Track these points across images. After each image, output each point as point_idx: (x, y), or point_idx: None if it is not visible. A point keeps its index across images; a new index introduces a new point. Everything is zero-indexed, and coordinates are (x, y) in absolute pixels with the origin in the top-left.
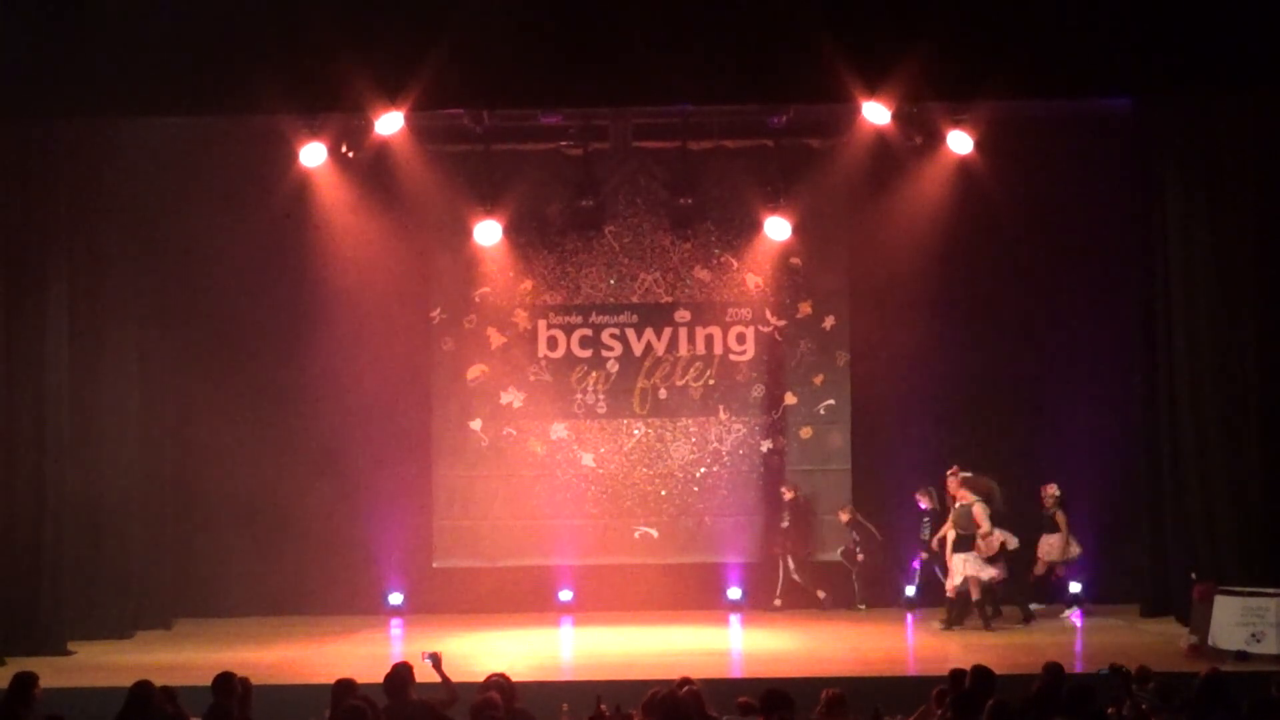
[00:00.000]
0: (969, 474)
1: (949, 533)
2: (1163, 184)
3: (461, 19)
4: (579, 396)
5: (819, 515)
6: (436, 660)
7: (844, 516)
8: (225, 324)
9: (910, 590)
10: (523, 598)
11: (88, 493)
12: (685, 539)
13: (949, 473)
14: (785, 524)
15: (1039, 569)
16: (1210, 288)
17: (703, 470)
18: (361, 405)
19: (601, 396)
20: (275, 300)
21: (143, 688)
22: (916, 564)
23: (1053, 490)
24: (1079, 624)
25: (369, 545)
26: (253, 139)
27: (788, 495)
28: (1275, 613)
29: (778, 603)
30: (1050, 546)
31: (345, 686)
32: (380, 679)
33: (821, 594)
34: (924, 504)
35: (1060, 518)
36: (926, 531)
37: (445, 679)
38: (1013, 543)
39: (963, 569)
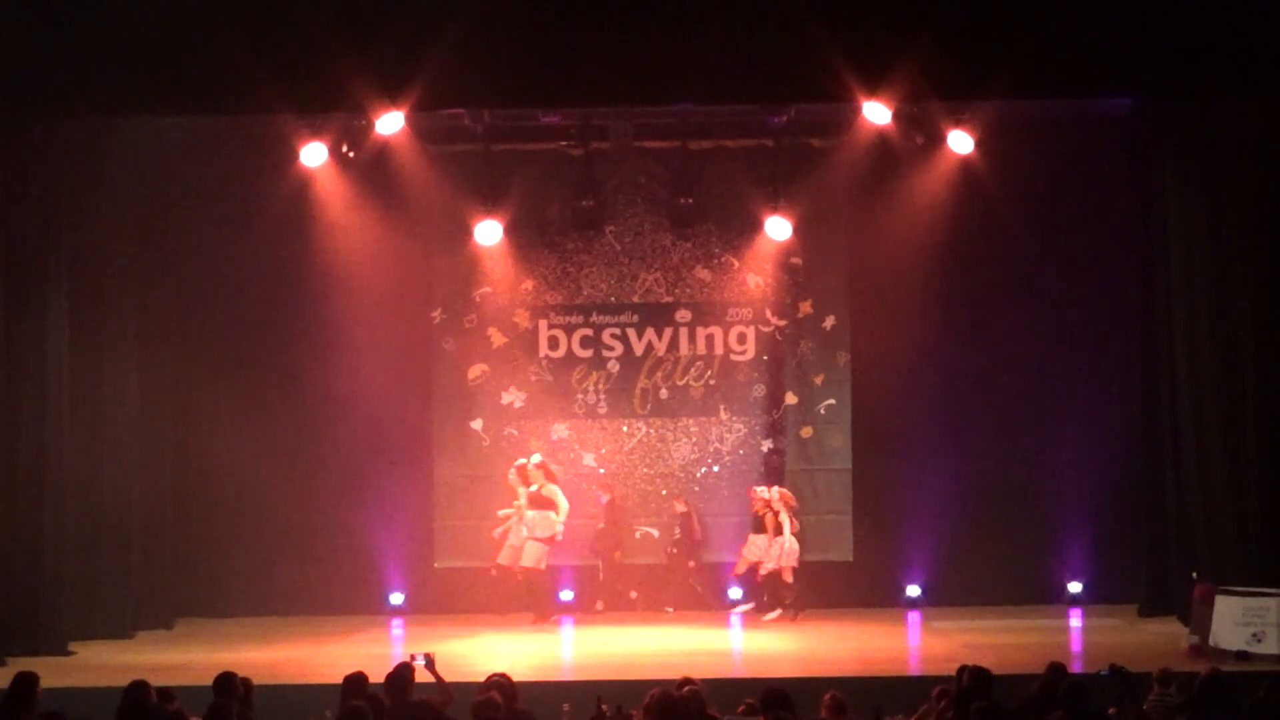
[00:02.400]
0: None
1: (787, 520)
2: (1163, 184)
3: (461, 19)
4: (580, 396)
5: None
6: (430, 661)
7: (680, 507)
8: (225, 324)
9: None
10: (523, 597)
11: (88, 492)
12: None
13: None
14: (601, 526)
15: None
16: (1210, 287)
17: (703, 470)
18: (362, 405)
19: (602, 396)
20: (276, 300)
21: (137, 687)
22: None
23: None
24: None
25: (369, 545)
26: (253, 139)
27: (604, 498)
28: (1275, 613)
29: (600, 606)
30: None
31: (356, 681)
32: (380, 679)
33: (634, 594)
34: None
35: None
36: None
37: (439, 679)
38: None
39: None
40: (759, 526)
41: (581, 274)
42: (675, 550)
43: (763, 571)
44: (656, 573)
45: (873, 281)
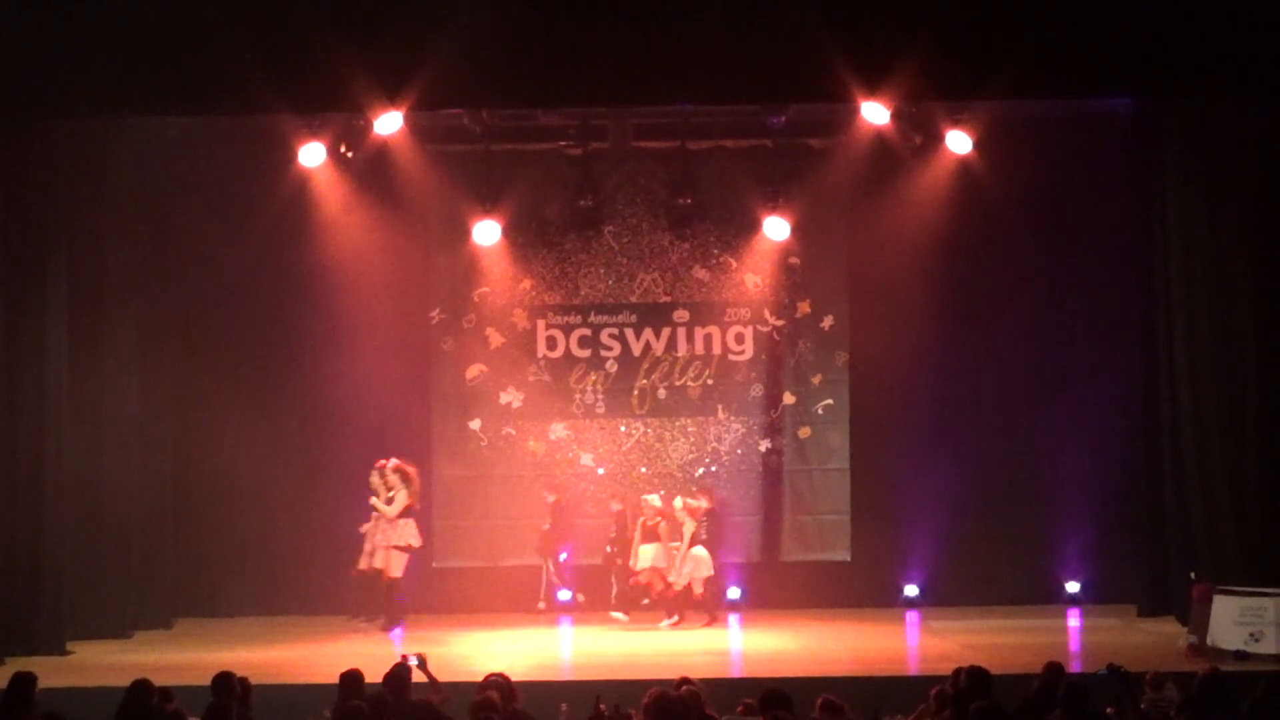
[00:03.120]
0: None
1: (687, 529)
2: (1163, 184)
3: (461, 19)
4: (578, 396)
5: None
6: (422, 661)
7: (615, 506)
8: (225, 324)
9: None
10: (523, 598)
11: (88, 493)
12: None
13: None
14: (546, 526)
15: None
16: (1210, 288)
17: (702, 470)
18: (361, 405)
19: (600, 396)
20: (275, 300)
21: (140, 686)
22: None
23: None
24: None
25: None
26: (253, 139)
27: (550, 498)
28: (1274, 612)
29: (541, 606)
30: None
31: (353, 679)
32: (380, 679)
33: (581, 596)
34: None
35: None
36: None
37: (433, 679)
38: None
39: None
40: (649, 536)
41: (580, 274)
42: (612, 550)
43: (678, 586)
44: (600, 572)
45: (871, 281)
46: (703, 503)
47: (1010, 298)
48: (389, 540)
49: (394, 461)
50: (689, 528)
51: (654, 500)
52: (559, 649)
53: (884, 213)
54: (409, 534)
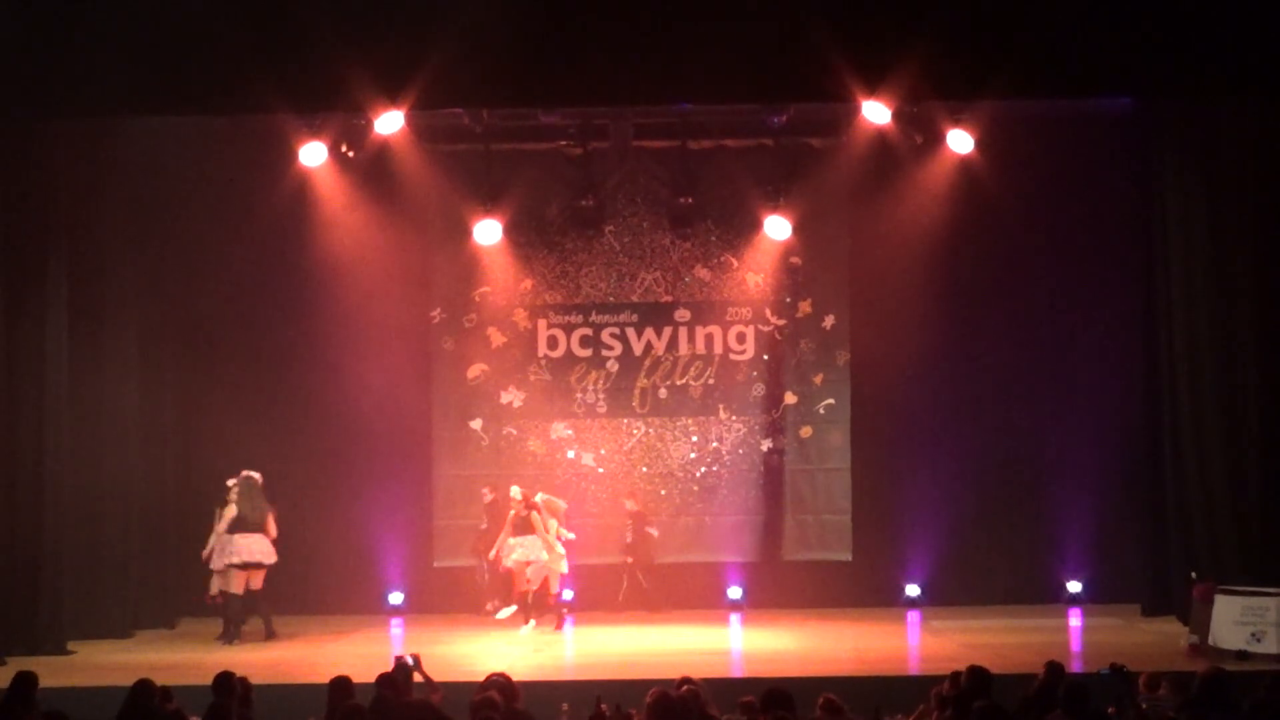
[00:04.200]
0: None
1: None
2: (1163, 184)
3: (461, 19)
4: (579, 396)
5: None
6: (417, 661)
7: (486, 496)
8: (225, 324)
9: None
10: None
11: (88, 493)
12: (685, 539)
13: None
14: (484, 526)
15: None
16: (1210, 287)
17: (703, 470)
18: (361, 405)
19: (601, 396)
20: (275, 300)
21: (143, 686)
22: None
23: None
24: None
25: (369, 545)
26: (253, 139)
27: (487, 497)
28: (1275, 612)
29: (489, 607)
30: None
31: (342, 684)
32: (375, 679)
33: (490, 607)
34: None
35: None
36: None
37: (428, 678)
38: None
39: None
40: (523, 528)
41: (581, 273)
42: (479, 544)
43: (533, 586)
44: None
45: (873, 281)
46: (629, 504)
47: (1011, 297)
48: (228, 558)
49: (242, 475)
50: (551, 525)
51: (515, 493)
52: (560, 649)
53: (885, 212)
54: (258, 550)
